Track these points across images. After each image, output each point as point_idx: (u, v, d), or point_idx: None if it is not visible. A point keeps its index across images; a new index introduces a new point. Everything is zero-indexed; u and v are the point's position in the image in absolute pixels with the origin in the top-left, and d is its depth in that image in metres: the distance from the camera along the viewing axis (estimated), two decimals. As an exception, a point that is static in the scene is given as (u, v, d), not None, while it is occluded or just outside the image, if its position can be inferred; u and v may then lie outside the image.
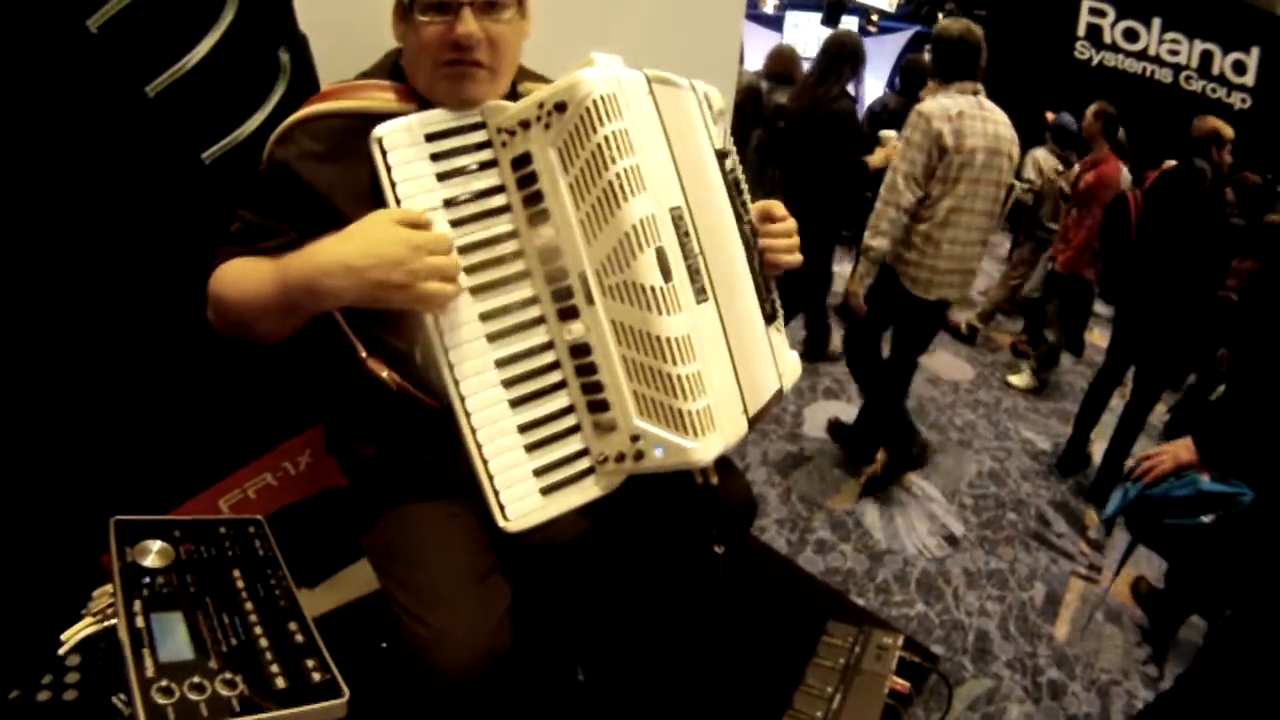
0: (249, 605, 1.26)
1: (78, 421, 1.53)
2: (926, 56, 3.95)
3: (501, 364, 1.22)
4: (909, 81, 5.40)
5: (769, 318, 1.48)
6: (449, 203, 1.19)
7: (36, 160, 1.36)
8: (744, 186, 1.46)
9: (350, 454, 1.46)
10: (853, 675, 2.10)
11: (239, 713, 1.08)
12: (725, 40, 2.76)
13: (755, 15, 11.23)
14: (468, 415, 1.21)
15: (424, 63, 1.25)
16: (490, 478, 1.22)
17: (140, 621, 1.17)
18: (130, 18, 1.36)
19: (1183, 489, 2.06)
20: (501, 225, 1.22)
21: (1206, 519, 2.02)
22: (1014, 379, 5.36)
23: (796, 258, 1.52)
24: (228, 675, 1.12)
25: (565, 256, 1.21)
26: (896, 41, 9.82)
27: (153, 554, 1.30)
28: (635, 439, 1.22)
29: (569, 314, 1.23)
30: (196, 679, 1.10)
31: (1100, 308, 5.78)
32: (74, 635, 1.25)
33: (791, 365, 1.53)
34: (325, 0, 1.63)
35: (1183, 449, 2.05)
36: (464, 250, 1.19)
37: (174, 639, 1.16)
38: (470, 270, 1.19)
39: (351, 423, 1.42)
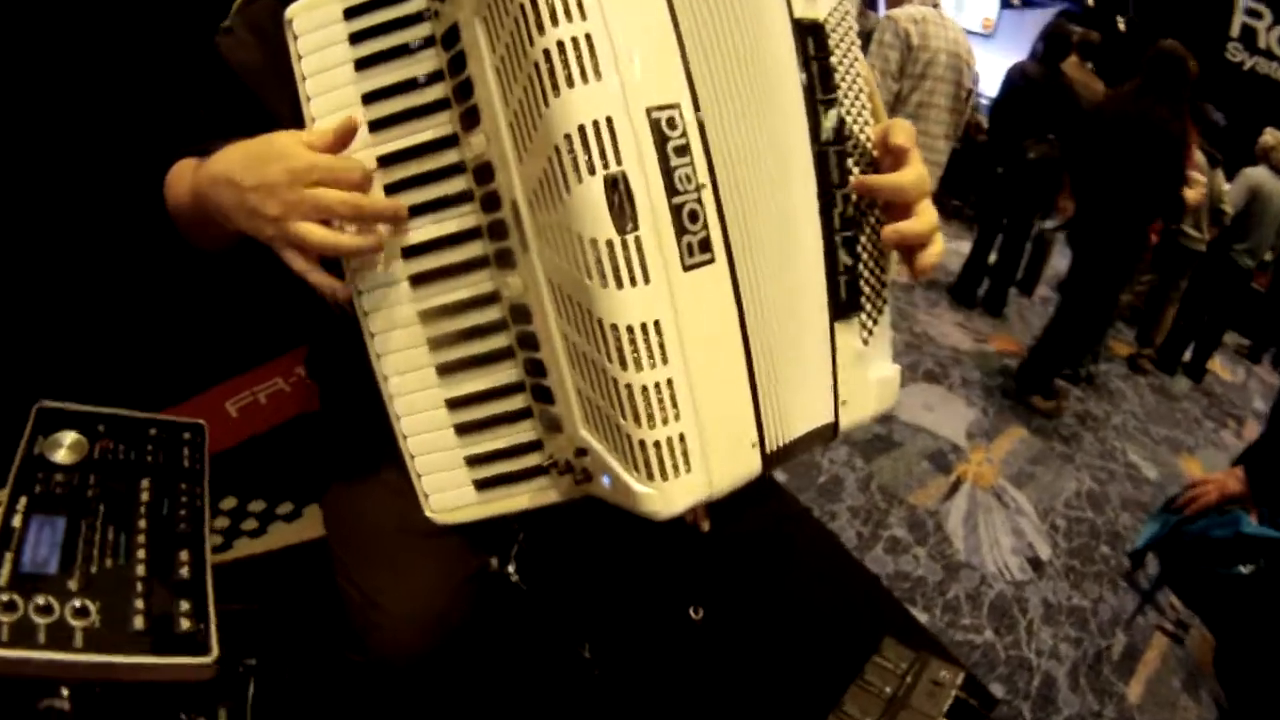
0: (142, 523, 1.06)
1: (87, 305, 1.43)
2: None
3: (428, 318, 0.93)
4: (1052, 49, 4.90)
5: (842, 308, 0.94)
6: (370, 98, 0.89)
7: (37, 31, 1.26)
8: (840, 81, 0.92)
9: (320, 377, 1.29)
10: (898, 709, 1.77)
11: (80, 648, 0.88)
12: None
13: (903, -27, 10.59)
14: (384, 379, 0.95)
15: None
16: (410, 456, 0.97)
17: (18, 520, 1.00)
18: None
19: (1222, 529, 1.66)
20: (437, 127, 0.89)
21: (1245, 569, 1.64)
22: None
23: (920, 225, 0.94)
24: (81, 602, 0.92)
25: (498, 175, 0.86)
26: (1039, 18, 9.15)
27: (63, 448, 1.11)
28: (581, 453, 0.88)
29: (505, 260, 0.89)
30: (45, 600, 0.91)
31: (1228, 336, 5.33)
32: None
33: (873, 387, 1.01)
34: None
35: (1232, 478, 1.68)
36: (386, 162, 0.90)
37: (45, 547, 0.98)
38: (392, 189, 0.90)
39: (324, 344, 1.23)
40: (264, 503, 1.76)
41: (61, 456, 1.10)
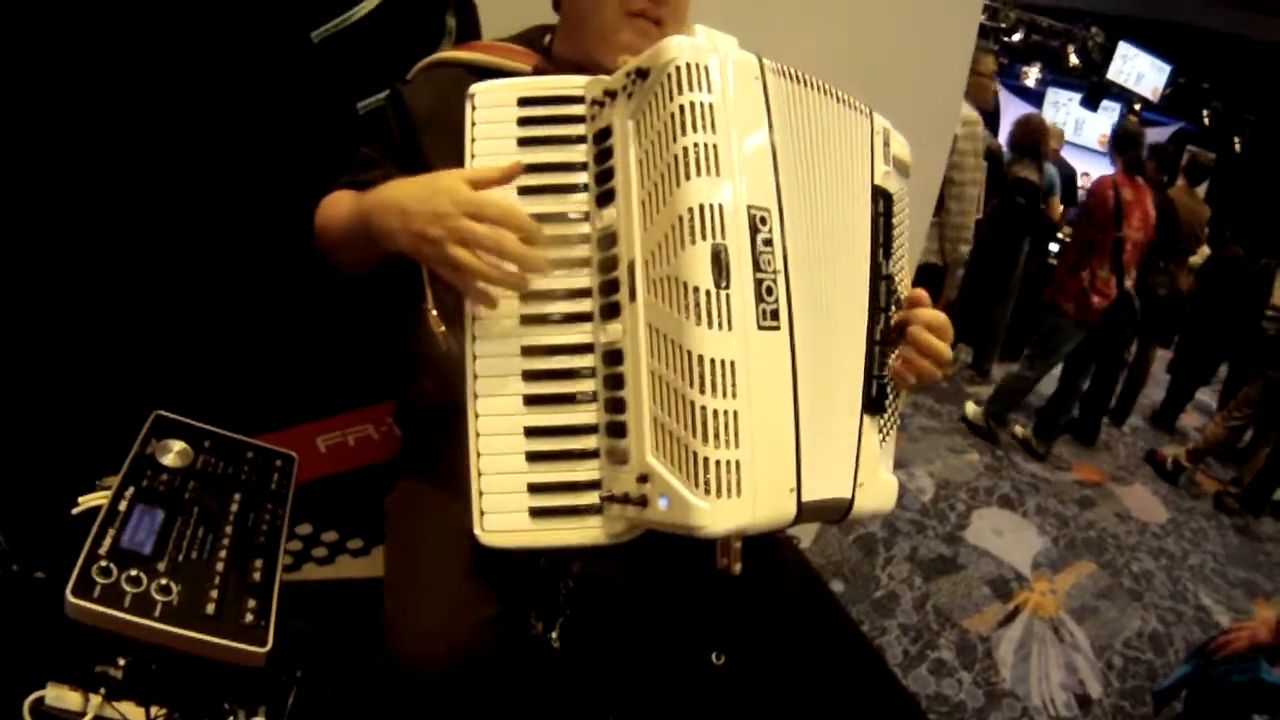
0: (229, 529, 1.22)
1: (214, 328, 1.57)
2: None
3: (528, 352, 1.09)
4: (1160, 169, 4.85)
5: (872, 404, 1.17)
6: (524, 170, 1.10)
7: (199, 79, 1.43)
8: (900, 242, 1.25)
9: (403, 410, 1.45)
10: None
11: (157, 618, 1.05)
12: (950, 76, 2.62)
13: (1015, 86, 10.51)
14: (474, 396, 1.08)
15: (607, 10, 1.23)
16: (478, 474, 1.08)
17: (123, 505, 1.17)
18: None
19: (1242, 674, 1.63)
20: (572, 204, 1.11)
21: (1259, 719, 1.59)
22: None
23: (936, 371, 1.19)
24: (167, 581, 1.09)
25: (621, 242, 1.06)
26: (1157, 136, 8.99)
27: (172, 453, 1.29)
28: (643, 480, 1.00)
29: (611, 312, 1.06)
30: (137, 573, 1.08)
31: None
32: (87, 503, 1.23)
33: (880, 487, 1.20)
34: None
35: (1265, 627, 1.70)
36: None
37: (143, 532, 1.15)
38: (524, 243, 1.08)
39: (413, 380, 1.37)
40: (337, 534, 1.88)
41: (169, 460, 1.28)
